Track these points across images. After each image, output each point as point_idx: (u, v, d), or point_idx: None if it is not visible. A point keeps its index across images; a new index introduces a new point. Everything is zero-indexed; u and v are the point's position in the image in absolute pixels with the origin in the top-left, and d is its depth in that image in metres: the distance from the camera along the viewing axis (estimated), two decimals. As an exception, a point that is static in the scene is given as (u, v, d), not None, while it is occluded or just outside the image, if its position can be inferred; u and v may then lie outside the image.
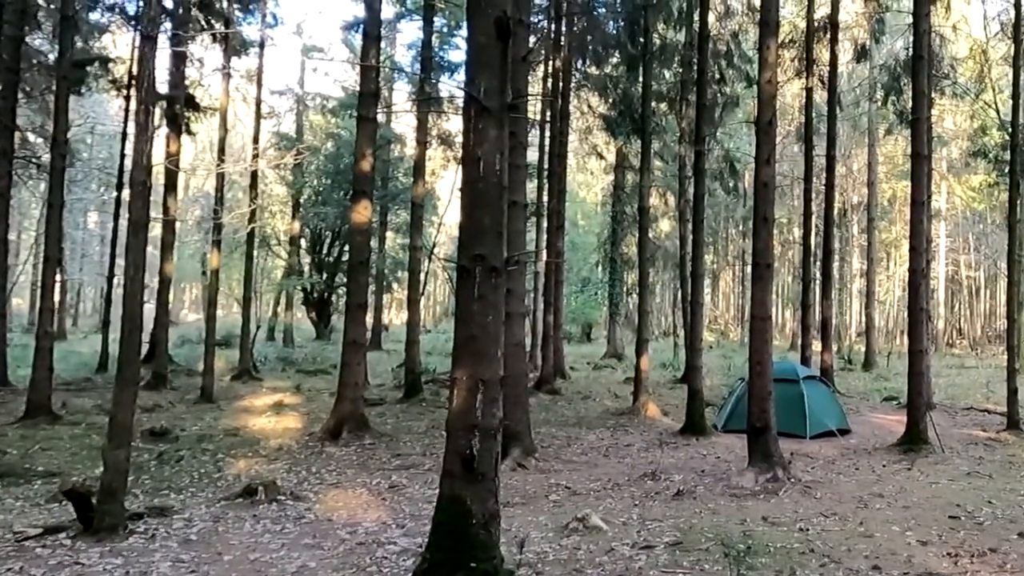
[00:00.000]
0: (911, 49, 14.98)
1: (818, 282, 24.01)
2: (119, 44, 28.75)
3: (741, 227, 41.50)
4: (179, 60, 21.65)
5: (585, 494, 8.61)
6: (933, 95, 18.53)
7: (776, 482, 8.85)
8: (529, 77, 21.98)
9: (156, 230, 27.30)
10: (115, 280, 24.70)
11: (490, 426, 4.82)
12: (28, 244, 40.73)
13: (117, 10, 22.58)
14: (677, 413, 14.84)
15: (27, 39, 18.62)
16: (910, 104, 16.99)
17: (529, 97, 13.87)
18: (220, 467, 9.74)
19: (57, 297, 36.00)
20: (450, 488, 4.99)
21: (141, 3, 22.19)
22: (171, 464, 9.77)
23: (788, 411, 12.21)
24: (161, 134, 22.03)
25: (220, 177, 18.58)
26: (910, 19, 15.88)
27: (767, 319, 9.75)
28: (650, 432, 13.33)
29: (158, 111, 23.02)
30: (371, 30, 13.60)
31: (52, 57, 19.07)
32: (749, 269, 11.70)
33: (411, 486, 8.83)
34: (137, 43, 23.04)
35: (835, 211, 23.74)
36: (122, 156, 23.45)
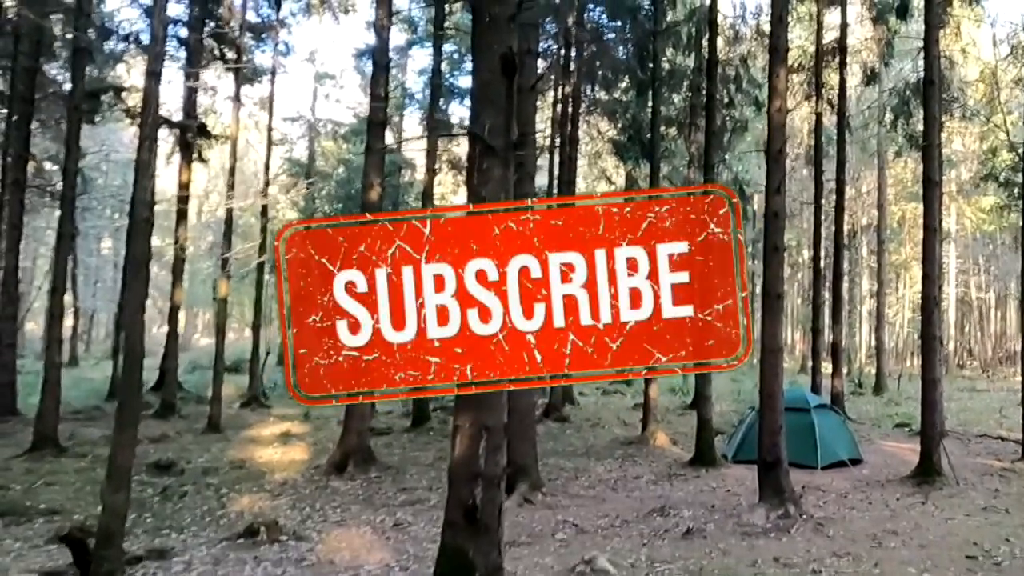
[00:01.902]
0: (922, 75, 14.92)
1: (827, 303, 23.84)
2: (133, 73, 29.01)
3: (750, 249, 41.34)
4: (192, 88, 21.87)
5: (592, 532, 8.47)
6: (943, 118, 18.46)
7: (787, 519, 8.68)
8: (538, 102, 22.08)
9: (168, 255, 27.44)
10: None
11: (494, 474, 4.71)
12: (44, 270, 40.96)
13: (132, 39, 22.81)
14: (686, 441, 14.66)
15: (43, 67, 18.80)
16: (919, 126, 16.97)
17: (536, 134, 13.76)
18: (223, 503, 9.65)
19: (70, 322, 36.28)
20: (452, 538, 4.88)
21: (166, 20, 22.41)
22: (174, 500, 9.70)
23: (799, 441, 12.05)
24: (175, 161, 22.24)
25: (229, 209, 18.56)
26: (918, 42, 15.86)
27: (778, 351, 9.61)
28: (659, 463, 13.16)
29: (171, 139, 23.32)
30: (380, 60, 13.64)
31: (67, 86, 19.23)
32: (759, 290, 11.60)
33: (416, 524, 8.71)
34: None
35: (844, 234, 23.60)
36: (135, 183, 23.56)
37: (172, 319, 21.05)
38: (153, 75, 7.49)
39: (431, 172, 18.57)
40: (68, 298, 35.53)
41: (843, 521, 8.93)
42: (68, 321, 36.52)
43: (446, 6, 18.88)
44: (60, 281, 13.76)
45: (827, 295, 24.10)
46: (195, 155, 22.03)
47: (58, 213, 26.29)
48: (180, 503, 9.58)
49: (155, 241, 46.09)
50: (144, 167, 7.05)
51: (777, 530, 8.40)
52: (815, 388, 18.94)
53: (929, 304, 11.97)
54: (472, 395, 4.81)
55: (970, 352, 46.56)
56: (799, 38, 25.38)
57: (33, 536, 7.92)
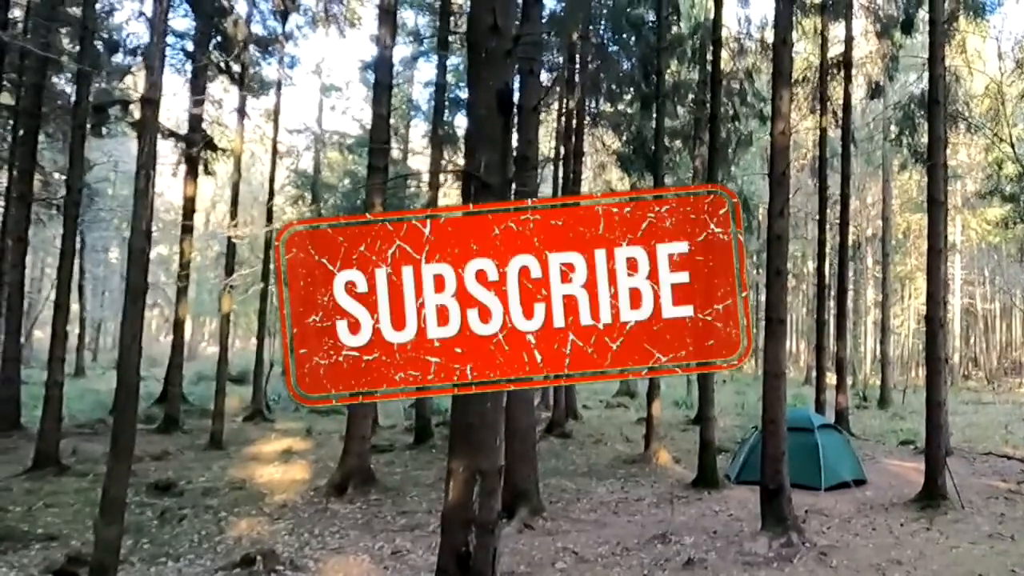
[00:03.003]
0: (926, 93, 14.87)
1: (832, 313, 23.76)
2: (141, 86, 29.02)
3: (755, 259, 41.33)
4: (197, 102, 21.93)
5: (593, 561, 8.39)
6: (948, 134, 18.37)
7: (790, 547, 8.59)
8: (543, 115, 22.05)
9: (175, 265, 27.46)
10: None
11: (488, 520, 4.66)
12: (54, 279, 40.93)
13: (139, 53, 22.87)
14: (689, 459, 14.61)
15: (50, 80, 18.87)
16: (925, 138, 16.88)
17: (539, 150, 13.63)
18: (222, 528, 9.59)
19: (77, 331, 36.29)
20: (445, 585, 4.82)
21: (163, 48, 22.53)
22: (173, 524, 9.65)
23: (802, 461, 11.99)
24: (182, 171, 22.28)
25: (230, 238, 18.47)
26: (923, 54, 15.78)
27: (781, 376, 9.53)
28: (661, 483, 13.09)
29: (177, 151, 23.40)
30: (383, 79, 13.58)
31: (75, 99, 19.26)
32: (763, 298, 11.56)
33: (414, 551, 8.65)
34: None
35: (849, 249, 23.47)
36: (133, 212, 23.60)
37: (176, 333, 21.06)
38: (149, 102, 7.47)
39: (435, 189, 18.57)
40: (75, 307, 35.59)
41: (847, 549, 8.84)
42: (75, 330, 36.66)
43: (451, 20, 18.91)
44: (63, 299, 13.77)
45: (831, 303, 24.04)
46: (201, 168, 22.13)
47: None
48: (178, 527, 9.53)
49: (163, 250, 46.36)
50: (141, 195, 7.00)
51: (780, 559, 8.32)
52: (819, 405, 18.85)
53: (933, 326, 11.89)
54: (466, 437, 4.76)
55: (975, 362, 46.50)
56: (804, 50, 25.32)
57: (28, 564, 7.87)
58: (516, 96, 12.24)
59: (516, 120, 12.59)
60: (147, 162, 7.05)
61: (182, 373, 20.84)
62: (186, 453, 15.28)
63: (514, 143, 13.41)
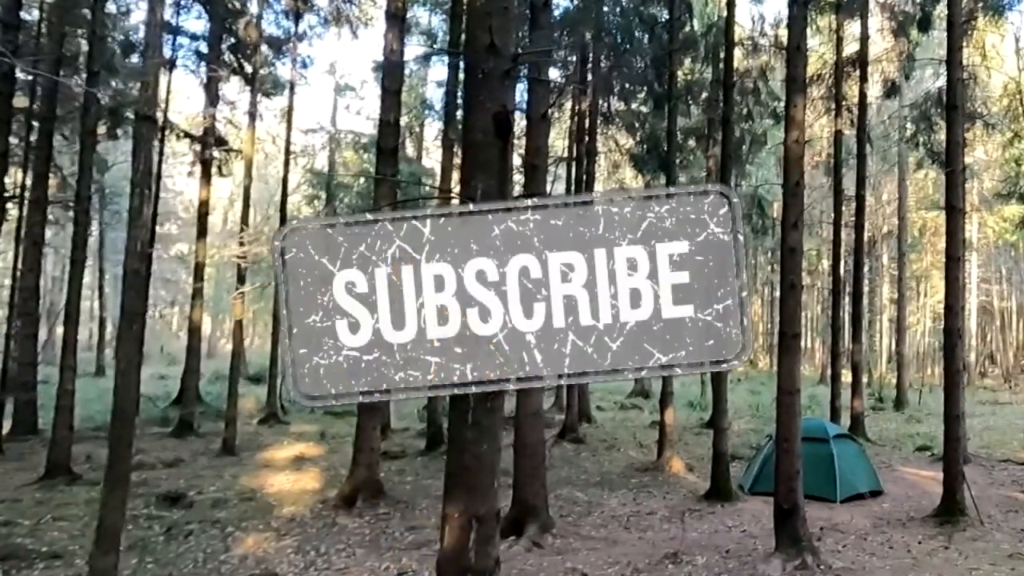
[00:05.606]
0: (943, 95, 14.59)
1: (847, 311, 23.44)
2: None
3: (770, 256, 41.19)
4: (211, 104, 21.98)
5: (601, 583, 8.28)
6: (965, 134, 18.03)
7: (805, 569, 8.42)
8: (555, 113, 21.88)
9: (193, 263, 27.58)
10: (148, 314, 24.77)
11: (485, 568, 4.53)
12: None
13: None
14: (703, 467, 14.46)
15: (67, 81, 18.90)
16: (941, 134, 16.54)
17: (546, 179, 13.22)
18: (228, 545, 9.53)
19: (97, 329, 36.49)
20: (441, 635, 4.70)
21: (177, 50, 22.62)
22: (179, 540, 9.60)
23: (817, 473, 11.84)
24: (197, 170, 22.38)
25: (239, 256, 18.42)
26: (940, 50, 15.50)
27: (795, 393, 9.29)
28: (674, 494, 12.94)
29: (191, 154, 23.45)
30: (390, 85, 13.39)
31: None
32: (777, 293, 11.37)
33: (420, 572, 8.54)
34: (171, 86, 23.42)
35: (864, 250, 23.14)
36: (157, 194, 23.78)
37: (192, 336, 21.15)
38: (147, 119, 7.39)
39: (445, 193, 18.44)
40: (95, 305, 35.70)
41: (863, 572, 8.64)
42: (95, 328, 36.85)
43: (462, 22, 18.75)
44: (73, 308, 13.76)
45: (846, 300, 23.75)
46: (216, 170, 22.19)
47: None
48: (184, 544, 9.48)
49: (183, 247, 46.56)
50: (135, 215, 6.88)
51: (792, 583, 8.16)
52: (834, 411, 18.67)
53: (952, 337, 11.61)
54: (462, 481, 4.62)
55: (992, 359, 46.07)
56: (818, 47, 24.95)
57: (31, 587, 7.87)
58: (524, 104, 12.14)
59: (525, 126, 12.46)
60: (142, 180, 6.95)
61: (198, 376, 20.97)
62: (199, 459, 15.29)
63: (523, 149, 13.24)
